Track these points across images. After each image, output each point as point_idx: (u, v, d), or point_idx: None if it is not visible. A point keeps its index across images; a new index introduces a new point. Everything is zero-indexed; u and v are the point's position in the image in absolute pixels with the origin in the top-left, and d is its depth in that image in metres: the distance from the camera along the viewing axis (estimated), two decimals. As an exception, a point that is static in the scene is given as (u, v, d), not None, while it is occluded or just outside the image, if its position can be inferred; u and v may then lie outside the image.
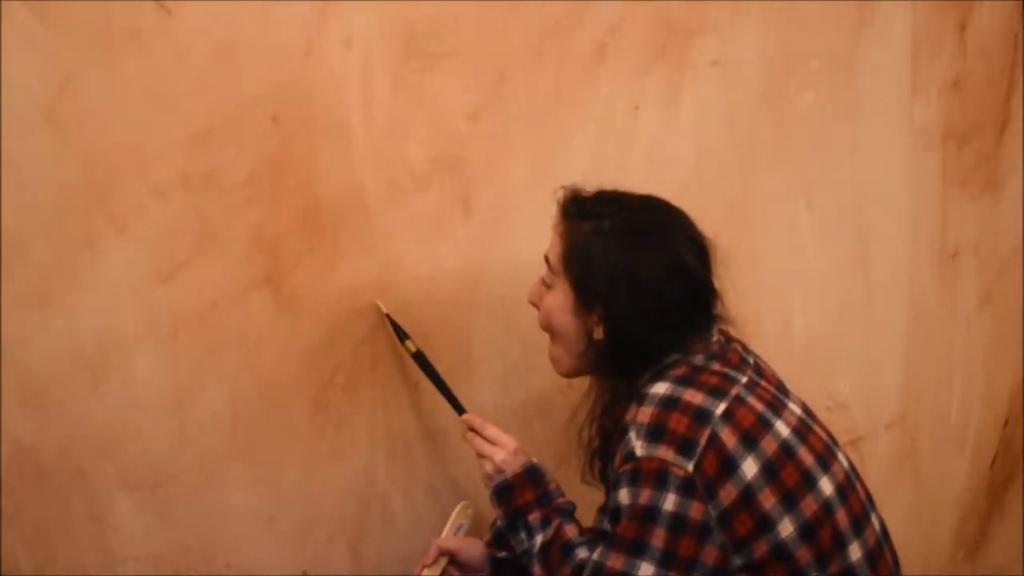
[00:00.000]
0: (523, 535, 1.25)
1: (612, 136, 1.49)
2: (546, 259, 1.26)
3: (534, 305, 1.28)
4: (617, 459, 1.17)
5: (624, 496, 1.14)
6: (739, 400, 1.16)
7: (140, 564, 1.24)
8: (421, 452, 1.42)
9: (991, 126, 1.95)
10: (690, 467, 1.11)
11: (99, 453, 1.19)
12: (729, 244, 1.64)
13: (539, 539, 1.23)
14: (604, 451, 1.27)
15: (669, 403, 1.14)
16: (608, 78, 1.46)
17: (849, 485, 1.20)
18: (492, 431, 1.30)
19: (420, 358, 1.34)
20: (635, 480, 1.13)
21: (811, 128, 1.69)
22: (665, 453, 1.12)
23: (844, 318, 1.84)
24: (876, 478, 1.93)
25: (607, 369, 1.24)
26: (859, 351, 1.88)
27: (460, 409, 1.34)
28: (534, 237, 1.43)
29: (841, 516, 1.16)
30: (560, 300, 1.24)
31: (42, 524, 1.17)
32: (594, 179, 1.47)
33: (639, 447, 1.13)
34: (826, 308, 1.81)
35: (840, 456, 1.23)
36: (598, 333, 1.21)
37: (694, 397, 1.14)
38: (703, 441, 1.12)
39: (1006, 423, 2.20)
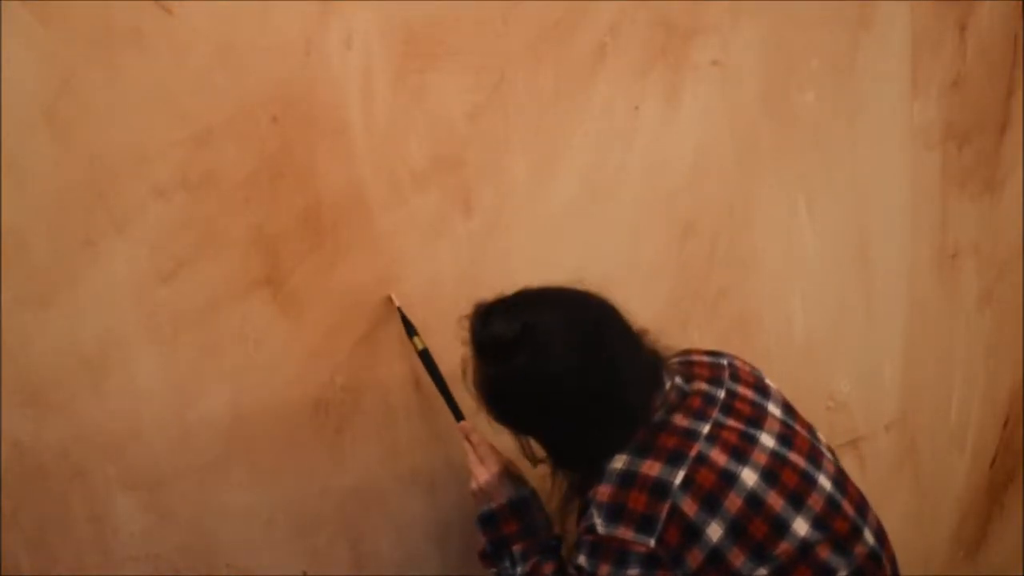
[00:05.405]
0: (507, 563, 1.26)
1: (612, 136, 1.49)
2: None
3: None
4: (580, 526, 1.15)
5: (583, 561, 1.12)
6: (700, 461, 1.12)
7: (140, 564, 1.24)
8: (421, 452, 1.42)
9: (991, 126, 1.95)
10: (651, 543, 1.09)
11: (99, 453, 1.19)
12: (729, 244, 1.65)
13: (519, 570, 1.24)
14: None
15: (626, 479, 1.11)
16: (608, 78, 1.46)
17: (831, 509, 1.16)
18: (483, 450, 1.29)
19: (426, 356, 1.34)
20: (595, 553, 1.12)
21: (811, 128, 1.69)
22: (624, 533, 1.10)
23: (844, 318, 1.84)
24: (876, 478, 1.94)
25: (565, 471, 1.22)
26: (859, 351, 1.88)
27: (459, 415, 1.34)
28: (534, 237, 1.43)
29: (822, 549, 1.13)
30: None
31: (42, 524, 1.17)
32: (594, 179, 1.47)
33: (599, 525, 1.11)
34: (826, 308, 1.81)
35: (820, 477, 1.18)
36: (539, 450, 1.21)
37: (651, 469, 1.11)
38: (663, 515, 1.09)
39: (1006, 423, 2.20)
